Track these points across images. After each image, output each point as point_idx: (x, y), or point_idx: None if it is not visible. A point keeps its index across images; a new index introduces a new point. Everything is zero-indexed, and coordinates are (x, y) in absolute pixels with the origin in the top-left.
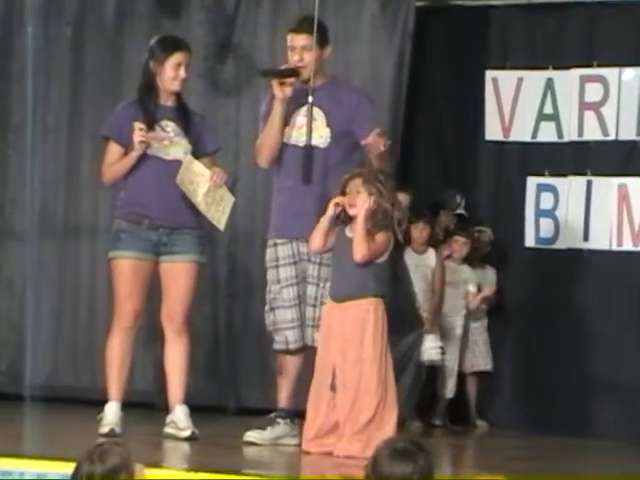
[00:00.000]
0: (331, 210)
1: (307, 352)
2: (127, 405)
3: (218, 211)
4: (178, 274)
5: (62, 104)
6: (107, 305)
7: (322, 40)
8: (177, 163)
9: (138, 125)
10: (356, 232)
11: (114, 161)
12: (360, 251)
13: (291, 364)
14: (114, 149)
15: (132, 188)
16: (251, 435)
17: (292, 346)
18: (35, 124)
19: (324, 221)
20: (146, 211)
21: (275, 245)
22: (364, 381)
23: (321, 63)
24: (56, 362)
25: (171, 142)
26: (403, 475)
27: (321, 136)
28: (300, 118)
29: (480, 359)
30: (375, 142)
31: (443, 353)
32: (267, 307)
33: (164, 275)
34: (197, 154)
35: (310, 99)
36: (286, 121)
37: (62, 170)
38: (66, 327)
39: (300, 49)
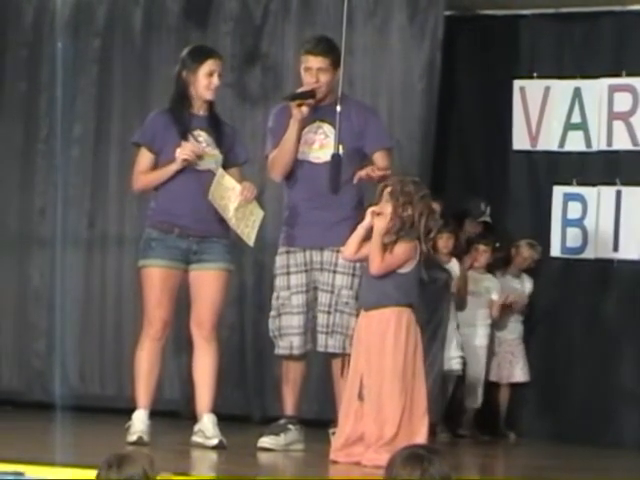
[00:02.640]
0: (368, 218)
1: (320, 358)
2: (154, 414)
3: (248, 226)
4: (208, 281)
5: (90, 115)
6: (134, 314)
7: (336, 62)
8: (208, 173)
9: (189, 145)
10: (371, 245)
11: (145, 169)
12: (373, 264)
13: (296, 371)
14: (145, 156)
15: (163, 197)
16: (266, 441)
17: (296, 351)
18: (63, 134)
19: (360, 229)
20: (177, 220)
21: (287, 252)
22: (386, 391)
23: (334, 84)
24: (84, 371)
25: (203, 152)
26: (410, 478)
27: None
28: (311, 135)
29: (518, 370)
30: (367, 178)
31: (464, 363)
32: (273, 312)
33: (194, 283)
34: (228, 165)
35: (338, 111)
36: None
37: (89, 180)
38: (94, 336)
39: (316, 70)
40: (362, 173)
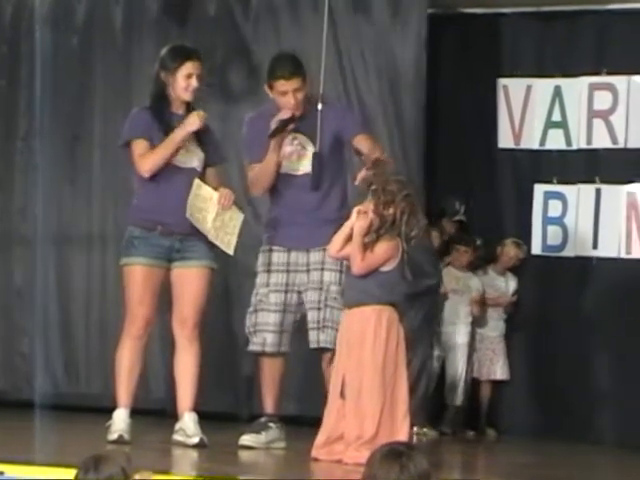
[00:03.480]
0: (354, 217)
1: (304, 355)
2: (140, 412)
3: (228, 233)
4: (191, 279)
5: (70, 112)
6: (118, 312)
7: (305, 75)
8: (191, 171)
9: (200, 113)
10: (352, 244)
11: (146, 152)
12: (354, 264)
13: (272, 368)
14: (141, 144)
15: (145, 195)
16: (247, 439)
17: (268, 349)
18: (43, 132)
19: (346, 228)
20: (160, 217)
21: (270, 251)
22: (365, 389)
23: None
24: (68, 370)
25: (187, 150)
26: (388, 476)
27: (310, 163)
28: (287, 148)
29: (498, 368)
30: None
31: (442, 361)
32: (251, 309)
33: (176, 281)
34: (208, 164)
35: (319, 109)
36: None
37: (70, 178)
38: (78, 335)
39: (293, 92)
40: (362, 174)
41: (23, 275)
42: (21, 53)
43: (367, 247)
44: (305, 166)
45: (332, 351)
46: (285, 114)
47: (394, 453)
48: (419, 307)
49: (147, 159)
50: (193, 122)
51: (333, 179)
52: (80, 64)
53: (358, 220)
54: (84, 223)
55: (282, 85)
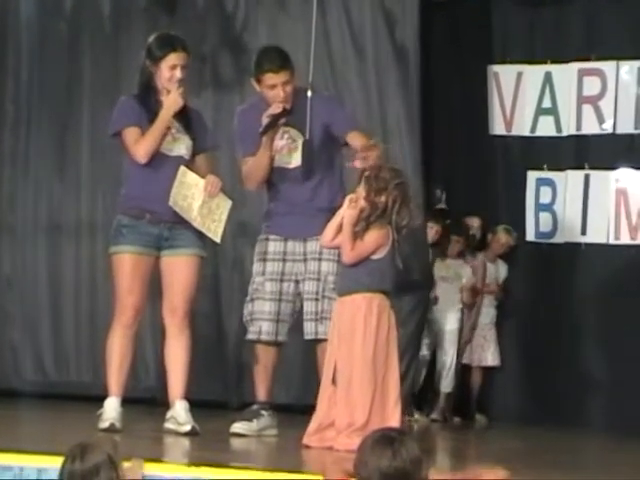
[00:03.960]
0: (345, 205)
1: (298, 344)
2: (131, 401)
3: (215, 221)
4: (180, 267)
5: (59, 100)
6: (108, 301)
7: (293, 68)
8: (179, 159)
9: (178, 90)
10: (342, 233)
11: (139, 138)
12: (344, 253)
13: (267, 357)
14: (133, 131)
15: (133, 184)
16: (238, 427)
17: (264, 337)
18: (31, 120)
19: (338, 216)
20: (148, 205)
21: (267, 240)
22: (355, 376)
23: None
24: (59, 359)
25: (174, 138)
26: (380, 462)
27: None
28: (277, 142)
29: (489, 354)
30: (365, 159)
31: (433, 348)
32: (248, 298)
33: (166, 269)
34: (197, 150)
35: (309, 96)
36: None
37: (59, 166)
38: (67, 323)
39: (281, 85)
40: (355, 163)
41: (12, 264)
42: (8, 41)
43: (357, 235)
44: (297, 159)
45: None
46: (276, 109)
47: (386, 439)
48: (409, 302)
49: (141, 145)
50: (174, 100)
51: (325, 168)
52: (68, 52)
53: (348, 209)
54: (73, 212)
55: (270, 78)
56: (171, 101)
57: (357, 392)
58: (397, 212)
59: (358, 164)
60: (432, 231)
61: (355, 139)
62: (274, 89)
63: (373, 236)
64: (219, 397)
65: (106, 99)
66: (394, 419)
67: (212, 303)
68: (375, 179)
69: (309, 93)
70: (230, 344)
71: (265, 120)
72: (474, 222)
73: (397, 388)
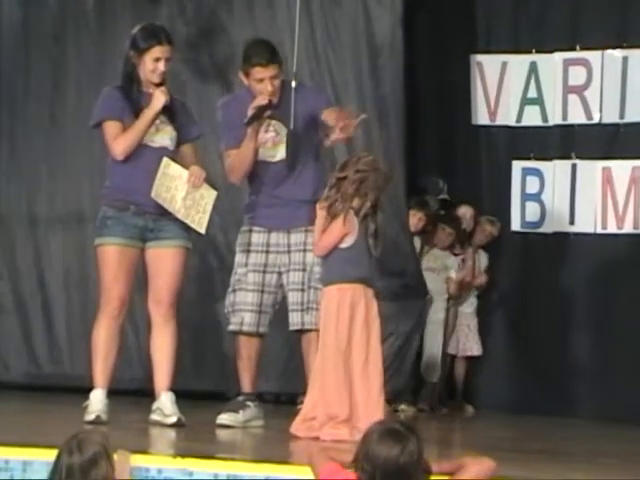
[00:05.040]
0: (318, 213)
1: (283, 334)
2: (119, 392)
3: (199, 212)
4: (166, 259)
5: (44, 91)
6: (99, 292)
7: (281, 62)
8: (163, 150)
9: (162, 88)
10: (315, 229)
11: (118, 133)
12: (313, 246)
13: (250, 348)
14: (113, 125)
15: (118, 175)
16: (224, 418)
17: (246, 328)
18: (16, 110)
19: (318, 227)
20: (132, 197)
21: (250, 231)
22: (328, 369)
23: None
24: (51, 350)
25: (157, 129)
26: (388, 456)
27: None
28: (262, 135)
29: (473, 344)
30: (344, 128)
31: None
32: (230, 289)
33: (151, 261)
34: (181, 140)
35: (292, 87)
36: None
37: (46, 157)
38: (58, 315)
39: (269, 79)
40: (335, 136)
41: (1, 256)
42: None
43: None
44: (281, 153)
45: (318, 333)
46: (262, 100)
47: (394, 433)
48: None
49: (120, 142)
50: (158, 98)
51: (307, 160)
52: (53, 41)
53: (320, 208)
54: (60, 203)
55: (259, 72)
56: (155, 100)
57: (331, 384)
58: (353, 197)
59: (338, 135)
60: (415, 219)
61: (330, 114)
62: (262, 83)
63: (335, 224)
64: (214, 388)
65: (92, 90)
66: (378, 409)
67: (206, 293)
68: (339, 169)
69: (293, 84)
70: (226, 334)
71: (251, 111)
72: (467, 212)
73: (380, 377)
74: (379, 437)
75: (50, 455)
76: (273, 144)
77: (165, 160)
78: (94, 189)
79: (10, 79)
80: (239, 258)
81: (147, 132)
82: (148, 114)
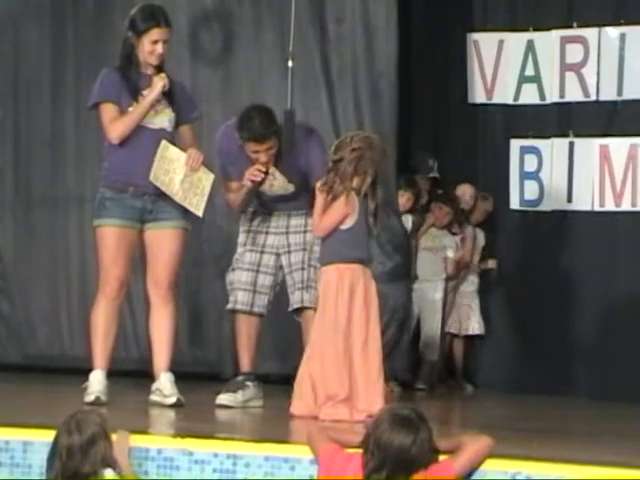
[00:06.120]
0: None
1: (281, 313)
2: (116, 373)
3: (197, 194)
4: (164, 240)
5: (44, 72)
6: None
7: (277, 131)
8: (162, 132)
9: (161, 75)
10: (314, 210)
11: (115, 116)
12: (314, 227)
13: (246, 327)
14: (110, 108)
15: (116, 157)
16: (224, 398)
17: (239, 306)
18: (16, 92)
19: (317, 207)
20: (131, 179)
21: (254, 213)
22: (328, 349)
23: None
24: (51, 332)
25: (156, 111)
26: (402, 445)
27: (286, 189)
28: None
29: (475, 323)
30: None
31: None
32: (230, 267)
33: (150, 242)
34: (180, 122)
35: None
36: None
37: (47, 138)
38: (60, 296)
39: (264, 151)
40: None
41: (2, 238)
42: None
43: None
44: (277, 190)
45: (315, 310)
46: (257, 176)
47: (406, 421)
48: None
49: (116, 126)
50: (156, 85)
51: (303, 187)
52: (53, 23)
53: (319, 191)
54: (61, 185)
55: (253, 146)
56: (153, 87)
57: (331, 364)
58: (353, 176)
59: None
60: (403, 199)
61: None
62: (257, 153)
63: (337, 205)
64: (211, 369)
65: (91, 70)
66: (378, 389)
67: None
68: (335, 150)
69: (290, 63)
70: (224, 315)
71: (248, 183)
72: (466, 190)
73: (379, 357)
74: (391, 425)
75: (50, 436)
76: (270, 186)
77: (164, 143)
78: (94, 171)
79: (10, 61)
80: (241, 238)
81: (145, 116)
82: (146, 100)
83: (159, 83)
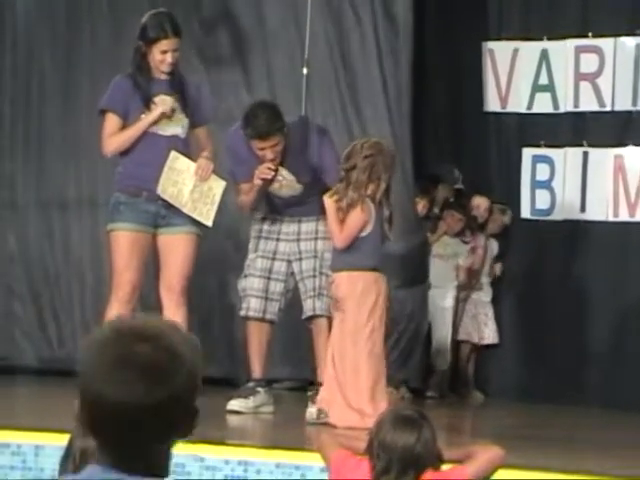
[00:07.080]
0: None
1: (293, 321)
2: None
3: (207, 203)
4: (177, 245)
5: (58, 75)
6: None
7: (283, 127)
8: (174, 138)
9: (166, 99)
10: (328, 222)
11: (113, 132)
12: (335, 239)
13: (258, 334)
14: (113, 120)
15: (130, 162)
16: (235, 404)
17: (252, 313)
18: (29, 96)
19: (330, 218)
20: (144, 184)
21: (263, 219)
22: (349, 357)
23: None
24: (63, 335)
25: (169, 118)
26: (406, 444)
27: (294, 189)
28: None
29: (491, 332)
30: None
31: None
32: (242, 274)
33: (163, 247)
34: (195, 124)
35: (304, 74)
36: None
37: (60, 141)
38: (72, 299)
39: (270, 148)
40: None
41: (16, 240)
42: (5, 17)
43: (344, 216)
44: (288, 192)
45: (329, 319)
46: (267, 174)
47: (408, 420)
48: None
49: (111, 142)
50: (157, 108)
51: (315, 190)
52: (67, 25)
53: (327, 199)
54: (74, 188)
55: (259, 144)
56: (155, 109)
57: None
58: (367, 184)
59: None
60: (420, 206)
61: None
62: (263, 151)
63: (355, 214)
64: (226, 374)
65: (105, 74)
66: (383, 395)
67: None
68: (346, 159)
69: (304, 71)
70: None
71: (258, 182)
72: (482, 203)
73: (382, 363)
74: (394, 425)
75: (62, 440)
76: (280, 187)
77: (173, 154)
78: (107, 174)
79: (24, 63)
80: (252, 244)
81: (142, 132)
82: (143, 122)
83: (159, 108)
